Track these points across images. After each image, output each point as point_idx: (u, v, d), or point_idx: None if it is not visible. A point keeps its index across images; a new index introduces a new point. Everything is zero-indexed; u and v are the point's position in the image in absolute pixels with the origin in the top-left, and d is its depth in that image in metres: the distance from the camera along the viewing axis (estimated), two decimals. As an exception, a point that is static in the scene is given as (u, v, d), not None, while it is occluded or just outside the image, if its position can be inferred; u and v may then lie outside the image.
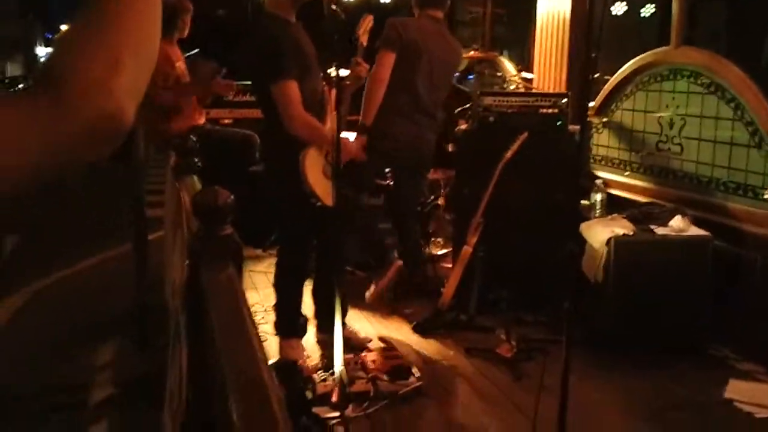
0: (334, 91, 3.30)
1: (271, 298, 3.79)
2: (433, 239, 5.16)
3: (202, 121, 4.83)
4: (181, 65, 4.62)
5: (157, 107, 4.37)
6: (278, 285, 3.67)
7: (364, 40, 3.58)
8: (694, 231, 3.71)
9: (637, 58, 4.55)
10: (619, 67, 4.70)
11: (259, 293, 4.43)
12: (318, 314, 3.83)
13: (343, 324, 3.09)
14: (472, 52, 6.12)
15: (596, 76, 4.99)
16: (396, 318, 4.21)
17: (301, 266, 3.68)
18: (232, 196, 1.96)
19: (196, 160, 3.36)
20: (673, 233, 3.66)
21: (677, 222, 3.67)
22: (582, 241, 3.72)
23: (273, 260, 3.85)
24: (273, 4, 3.42)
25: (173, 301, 2.63)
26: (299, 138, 3.32)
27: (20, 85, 16.84)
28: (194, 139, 3.61)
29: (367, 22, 3.62)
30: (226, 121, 5.51)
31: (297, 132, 3.30)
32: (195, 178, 3.34)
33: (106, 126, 0.74)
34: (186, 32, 4.72)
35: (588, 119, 4.82)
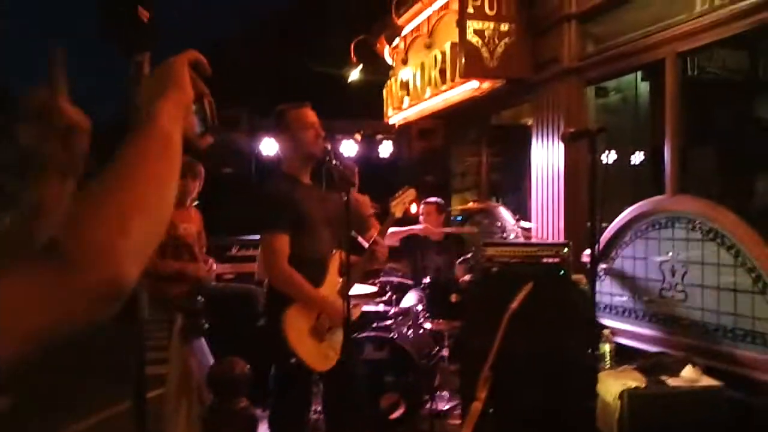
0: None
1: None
2: (438, 393, 5.04)
3: (206, 273, 4.82)
4: (188, 227, 4.63)
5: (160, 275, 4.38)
6: None
7: (398, 211, 3.64)
8: (706, 381, 3.63)
9: (634, 206, 4.65)
10: (613, 214, 4.80)
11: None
12: None
13: None
14: (471, 203, 6.26)
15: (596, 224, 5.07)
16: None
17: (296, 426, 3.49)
18: (248, 366, 1.92)
19: (203, 321, 3.34)
20: (686, 384, 3.59)
21: (688, 372, 3.61)
22: (595, 395, 3.63)
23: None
24: (285, 164, 3.53)
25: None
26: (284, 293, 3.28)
27: None
28: (201, 299, 3.59)
29: (408, 195, 3.67)
30: (229, 276, 5.54)
31: (276, 285, 3.29)
32: (203, 340, 3.31)
33: (107, 290, 0.76)
34: (192, 194, 4.80)
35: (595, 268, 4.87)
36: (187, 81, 1.01)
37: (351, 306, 3.28)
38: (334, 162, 3.24)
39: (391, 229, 5.75)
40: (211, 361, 3.81)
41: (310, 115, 3.50)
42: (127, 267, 0.77)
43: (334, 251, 3.48)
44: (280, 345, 3.18)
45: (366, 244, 3.62)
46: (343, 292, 3.32)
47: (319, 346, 3.27)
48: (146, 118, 0.92)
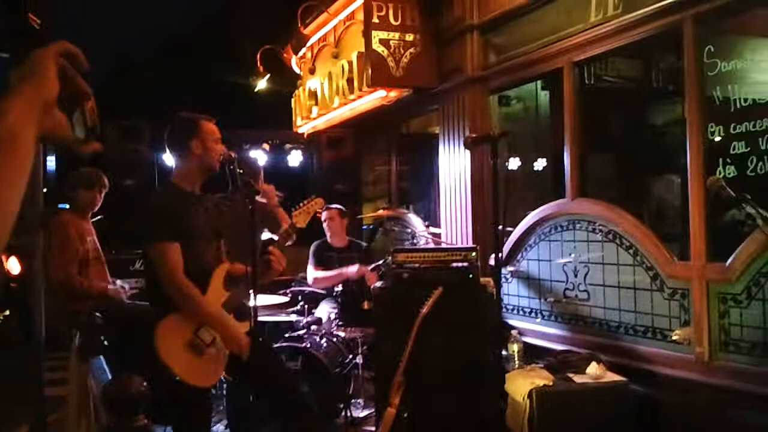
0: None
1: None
2: (353, 400, 5.02)
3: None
4: (92, 241, 4.55)
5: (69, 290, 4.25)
6: None
7: (300, 221, 3.58)
8: (611, 377, 3.77)
9: (537, 210, 4.79)
10: (518, 219, 4.93)
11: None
12: None
13: None
14: (381, 210, 6.29)
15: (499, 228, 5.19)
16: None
17: None
18: (145, 383, 1.86)
19: (102, 338, 3.22)
20: (591, 381, 3.71)
21: (593, 369, 3.73)
22: (505, 395, 3.71)
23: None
24: (178, 174, 3.44)
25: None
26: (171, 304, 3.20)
27: None
28: (99, 316, 3.47)
29: (314, 205, 3.63)
30: (133, 291, 5.36)
31: (170, 294, 3.18)
32: (102, 359, 3.18)
33: None
34: (97, 206, 4.71)
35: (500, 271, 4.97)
36: (49, 75, 0.91)
37: (240, 323, 3.23)
38: (238, 170, 3.19)
39: (320, 274, 5.71)
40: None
41: (216, 129, 3.46)
42: None
43: (220, 263, 3.39)
44: (153, 358, 3.09)
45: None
46: (231, 305, 3.28)
47: (198, 360, 3.19)
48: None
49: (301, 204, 3.69)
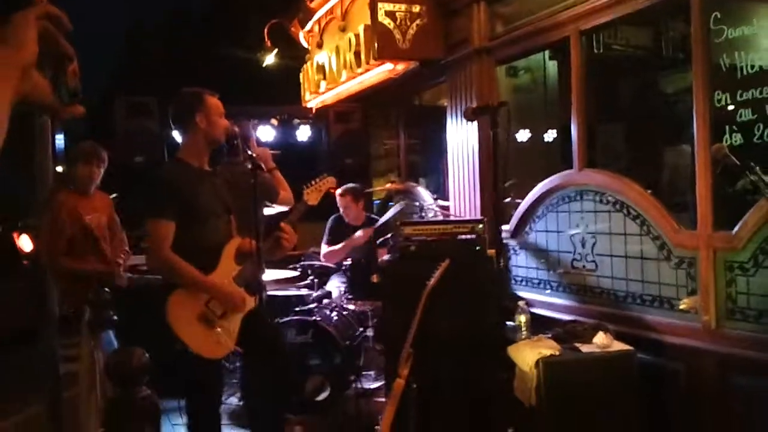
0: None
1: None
2: (363, 372, 5.07)
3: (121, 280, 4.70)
4: (94, 218, 4.47)
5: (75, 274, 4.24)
6: None
7: (311, 199, 3.61)
8: (618, 346, 3.78)
9: (544, 181, 4.77)
10: (528, 191, 4.91)
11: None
12: None
13: None
14: (389, 184, 6.29)
15: (508, 200, 5.19)
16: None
17: (206, 419, 3.46)
18: (147, 355, 1.88)
19: (111, 313, 3.27)
20: (598, 350, 3.72)
21: (600, 339, 3.74)
22: (512, 365, 3.74)
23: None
24: (185, 150, 3.47)
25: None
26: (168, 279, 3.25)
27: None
28: (108, 290, 3.51)
29: (325, 183, 3.65)
30: (144, 267, 5.42)
31: (159, 272, 3.27)
32: (111, 333, 3.23)
33: None
34: (96, 181, 4.61)
35: (504, 242, 4.98)
36: (26, 38, 0.88)
37: (252, 294, 3.27)
38: (242, 145, 3.22)
39: (329, 249, 5.76)
40: None
41: (220, 103, 3.48)
42: None
43: (230, 239, 3.44)
44: (164, 331, 3.15)
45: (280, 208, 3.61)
46: (242, 279, 3.31)
47: (209, 332, 3.24)
48: None
49: (313, 182, 3.71)
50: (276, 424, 3.67)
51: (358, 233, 5.71)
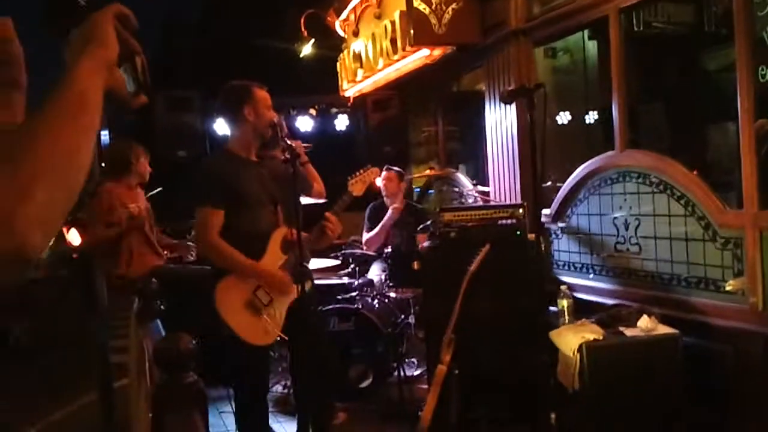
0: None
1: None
2: (406, 360, 5.09)
3: (161, 262, 4.81)
4: (136, 207, 4.64)
5: (107, 253, 4.37)
6: (239, 426, 3.57)
7: (356, 189, 3.65)
8: (663, 329, 3.72)
9: (586, 164, 4.71)
10: (569, 174, 4.85)
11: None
12: None
13: None
14: (428, 170, 6.28)
15: (549, 183, 5.13)
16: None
17: (253, 406, 3.54)
18: (194, 341, 1.93)
19: (159, 302, 3.35)
20: (643, 334, 3.67)
21: (644, 322, 3.69)
22: (554, 350, 3.71)
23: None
24: (233, 142, 3.55)
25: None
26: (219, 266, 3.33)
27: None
28: (155, 281, 3.60)
29: (370, 174, 3.69)
30: (190, 257, 5.51)
31: (208, 257, 3.35)
32: (159, 322, 3.31)
33: (9, 259, 0.71)
34: (146, 177, 4.80)
35: (546, 226, 4.94)
36: (110, 37, 0.95)
37: (304, 280, 3.31)
38: (280, 135, 3.26)
39: (369, 235, 5.80)
40: None
41: (268, 95, 3.54)
42: (30, 235, 0.72)
43: (277, 228, 3.49)
44: (213, 318, 3.22)
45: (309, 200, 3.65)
46: (289, 268, 3.36)
47: (256, 319, 3.29)
48: (64, 74, 0.87)
49: (357, 173, 3.75)
50: (322, 411, 3.72)
51: (389, 212, 5.75)
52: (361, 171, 3.75)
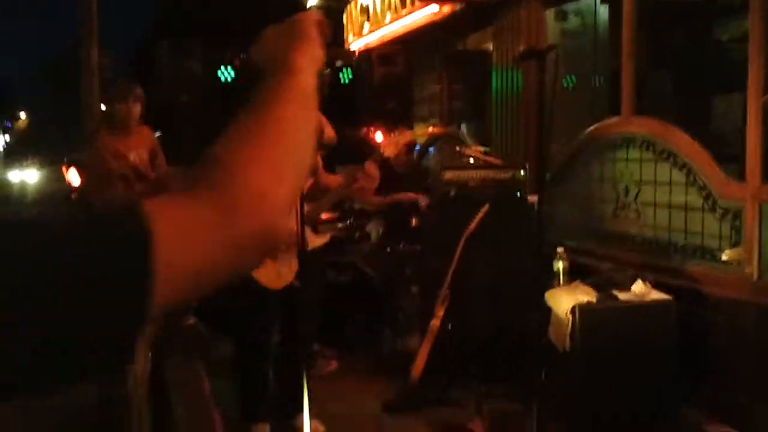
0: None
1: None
2: (401, 313, 5.14)
3: None
4: (136, 156, 4.54)
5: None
6: (241, 367, 3.61)
7: (388, 151, 3.63)
8: (656, 295, 3.75)
9: (590, 128, 4.69)
10: (573, 137, 4.84)
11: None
12: (282, 397, 3.73)
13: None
14: (431, 128, 6.25)
15: (552, 146, 5.12)
16: (364, 395, 4.15)
17: (260, 345, 3.59)
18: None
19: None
20: (636, 299, 3.70)
21: (638, 287, 3.72)
22: (548, 310, 3.75)
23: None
24: None
25: (137, 392, 2.57)
26: None
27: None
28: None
29: (403, 137, 3.67)
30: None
31: None
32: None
33: (263, 238, 0.74)
34: (134, 118, 4.64)
35: (547, 188, 4.94)
36: (317, 40, 0.98)
37: (317, 236, 3.32)
38: None
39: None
40: None
41: None
42: (281, 216, 0.76)
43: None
44: None
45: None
46: (309, 219, 3.36)
47: (271, 261, 3.32)
48: (284, 67, 0.90)
49: (391, 135, 3.75)
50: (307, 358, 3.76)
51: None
52: (395, 133, 3.76)
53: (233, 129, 0.80)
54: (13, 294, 0.59)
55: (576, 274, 4.20)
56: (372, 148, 3.81)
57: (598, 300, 3.69)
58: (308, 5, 8.11)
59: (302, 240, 3.28)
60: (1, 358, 0.58)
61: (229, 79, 6.91)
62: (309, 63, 0.93)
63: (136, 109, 4.58)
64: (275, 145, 0.79)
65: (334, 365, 4.60)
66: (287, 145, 0.80)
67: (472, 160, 5.40)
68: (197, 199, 0.71)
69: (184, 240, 0.68)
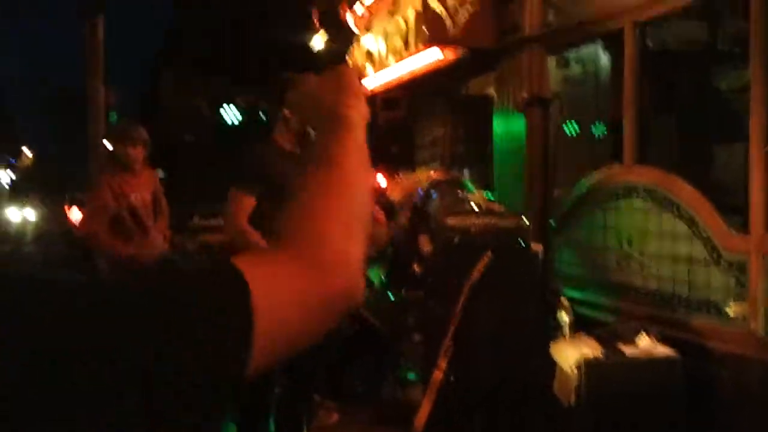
0: None
1: None
2: (403, 362, 5.08)
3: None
4: (138, 196, 4.54)
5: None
6: (241, 420, 3.56)
7: (394, 195, 3.66)
8: (662, 350, 3.70)
9: (592, 176, 4.69)
10: (577, 185, 4.83)
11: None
12: None
13: None
14: (433, 173, 6.24)
15: (555, 194, 5.11)
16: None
17: (260, 398, 3.56)
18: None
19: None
20: (642, 354, 3.65)
21: (644, 342, 3.67)
22: (553, 363, 3.70)
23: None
24: (275, 131, 3.63)
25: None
26: None
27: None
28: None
29: (404, 180, 3.69)
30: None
31: (233, 239, 3.49)
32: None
33: (347, 299, 0.76)
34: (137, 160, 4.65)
35: (550, 237, 4.92)
36: (364, 95, 1.02)
37: None
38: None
39: None
40: None
41: None
42: (362, 273, 0.78)
43: None
44: None
45: None
46: None
47: None
48: (340, 123, 0.93)
49: (396, 180, 3.77)
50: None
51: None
52: (399, 177, 3.78)
53: (306, 187, 0.83)
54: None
55: (580, 325, 4.16)
56: (377, 193, 3.80)
57: (605, 355, 3.65)
58: (314, 48, 8.19)
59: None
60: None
61: (236, 122, 6.96)
62: (361, 118, 0.96)
63: (141, 152, 4.60)
64: (345, 203, 0.81)
65: (335, 417, 4.53)
66: (354, 202, 0.83)
67: (475, 207, 5.39)
68: (286, 257, 0.73)
69: (278, 295, 0.68)
